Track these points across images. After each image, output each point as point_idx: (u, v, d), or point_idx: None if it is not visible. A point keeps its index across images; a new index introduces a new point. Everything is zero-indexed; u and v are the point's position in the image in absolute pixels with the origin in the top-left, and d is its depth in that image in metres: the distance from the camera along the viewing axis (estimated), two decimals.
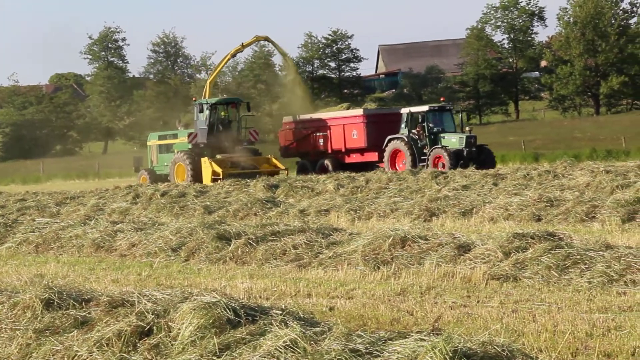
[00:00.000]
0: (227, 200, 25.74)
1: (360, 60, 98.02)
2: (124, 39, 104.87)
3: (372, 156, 43.33)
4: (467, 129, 42.43)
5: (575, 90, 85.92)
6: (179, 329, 7.01)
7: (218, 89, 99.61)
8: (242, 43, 49.83)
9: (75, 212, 24.48)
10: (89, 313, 7.65)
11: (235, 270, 13.07)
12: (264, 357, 6.42)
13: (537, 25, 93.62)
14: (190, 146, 43.75)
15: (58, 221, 19.21)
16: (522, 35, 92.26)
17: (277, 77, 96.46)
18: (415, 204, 20.34)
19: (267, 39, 51.15)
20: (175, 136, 46.16)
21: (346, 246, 13.22)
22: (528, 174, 29.10)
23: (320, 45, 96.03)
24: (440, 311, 9.48)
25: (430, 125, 40.72)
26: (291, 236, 14.06)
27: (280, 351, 6.42)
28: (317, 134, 45.46)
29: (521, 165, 41.21)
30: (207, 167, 41.68)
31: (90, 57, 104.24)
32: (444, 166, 38.98)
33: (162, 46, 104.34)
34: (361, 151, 43.96)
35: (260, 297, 10.77)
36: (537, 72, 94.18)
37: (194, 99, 47.12)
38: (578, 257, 11.13)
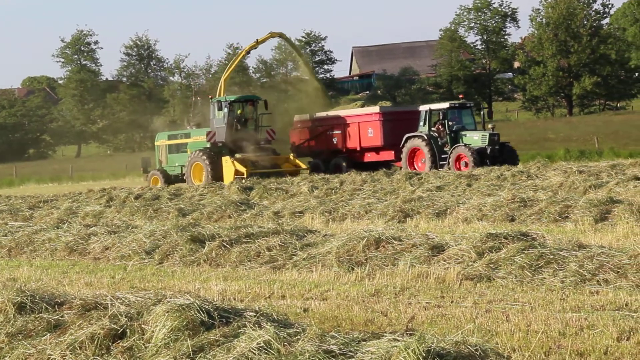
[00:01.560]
0: (201, 202, 25.68)
1: (333, 62, 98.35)
2: (96, 42, 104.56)
3: (388, 155, 42.36)
4: (489, 126, 41.28)
5: (548, 91, 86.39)
6: (153, 332, 6.99)
7: (192, 91, 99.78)
8: (257, 39, 48.55)
9: (48, 216, 24.35)
10: (62, 316, 7.60)
11: (210, 273, 13.04)
12: (238, 359, 6.41)
13: (510, 27, 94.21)
14: (208, 145, 42.29)
15: (31, 225, 19.12)
16: (495, 37, 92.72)
17: (251, 79, 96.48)
18: (389, 205, 20.35)
19: (281, 35, 49.75)
20: (187, 135, 44.70)
21: (320, 248, 13.22)
22: (502, 175, 29.22)
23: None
24: (414, 311, 9.49)
25: (450, 123, 39.73)
26: (265, 238, 14.04)
27: (254, 353, 6.41)
28: (331, 132, 44.28)
29: (495, 165, 41.14)
30: (229, 166, 40.42)
31: (62, 60, 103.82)
32: (467, 165, 37.96)
33: (135, 49, 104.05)
34: (377, 150, 42.91)
35: (235, 299, 10.76)
36: (510, 73, 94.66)
37: (210, 97, 45.66)
38: (551, 256, 11.18)
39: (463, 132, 39.55)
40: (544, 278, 10.78)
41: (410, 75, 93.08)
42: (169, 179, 43.13)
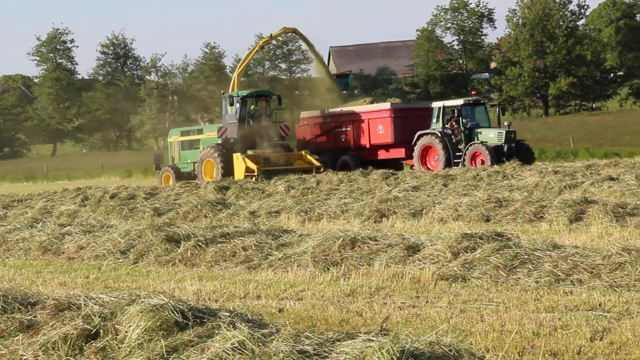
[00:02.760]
0: (177, 202, 25.61)
1: (311, 62, 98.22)
2: (72, 41, 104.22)
3: (399, 152, 41.51)
4: (505, 123, 40.33)
5: (524, 92, 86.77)
6: (126, 332, 6.96)
7: (168, 90, 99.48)
8: (271, 34, 47.67)
9: (22, 215, 24.21)
10: (35, 317, 7.56)
11: (185, 273, 13.01)
12: (212, 359, 6.39)
13: (487, 27, 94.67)
14: (219, 141, 41.26)
15: (5, 224, 19.01)
16: (472, 37, 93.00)
17: (228, 79, 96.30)
18: (365, 205, 20.37)
19: (295, 30, 48.77)
20: (200, 131, 43.78)
21: (296, 247, 13.21)
22: (477, 175, 29.29)
23: (271, 47, 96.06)
24: (388, 312, 9.50)
25: (464, 120, 38.85)
26: (241, 238, 14.02)
27: (228, 353, 6.40)
28: (339, 129, 43.27)
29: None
30: (240, 163, 39.46)
31: (38, 58, 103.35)
32: (483, 162, 37.18)
33: (112, 48, 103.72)
34: (386, 147, 42.07)
35: (209, 299, 10.73)
36: (486, 74, 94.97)
37: (222, 91, 44.29)
38: (526, 257, 11.21)
39: (478, 130, 38.73)
40: (519, 278, 10.81)
41: (387, 75, 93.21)
42: (181, 176, 42.08)
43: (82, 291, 8.77)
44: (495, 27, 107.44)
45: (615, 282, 10.23)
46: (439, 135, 38.75)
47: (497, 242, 11.72)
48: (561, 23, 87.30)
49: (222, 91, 44.56)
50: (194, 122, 59.77)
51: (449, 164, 38.16)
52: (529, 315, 8.97)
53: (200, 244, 14.05)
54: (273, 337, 6.54)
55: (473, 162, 37.90)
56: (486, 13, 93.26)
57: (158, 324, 6.94)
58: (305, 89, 53.54)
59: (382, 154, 42.35)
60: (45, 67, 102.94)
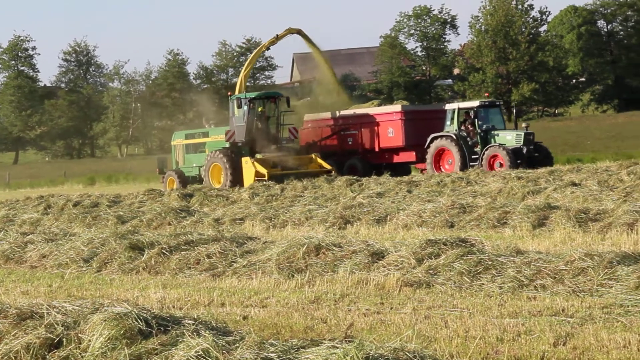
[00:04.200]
0: (141, 209, 25.50)
1: (274, 69, 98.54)
2: (34, 48, 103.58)
3: (409, 156, 40.50)
4: (523, 125, 39.41)
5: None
6: (90, 341, 6.92)
7: (131, 97, 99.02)
8: (277, 35, 46.73)
9: None
10: None
11: (149, 281, 12.94)
12: None
13: (450, 34, 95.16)
14: (227, 145, 40.08)
15: None
16: (435, 43, 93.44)
17: (191, 86, 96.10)
18: (330, 211, 20.37)
19: (299, 32, 47.79)
20: (205, 134, 42.48)
21: (260, 255, 13.18)
22: (441, 181, 29.39)
23: (235, 54, 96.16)
24: (353, 318, 9.50)
25: (480, 122, 37.86)
26: (205, 245, 13.97)
27: None
28: (346, 132, 42.21)
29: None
30: (249, 167, 38.31)
31: None
32: (501, 165, 36.30)
33: (74, 55, 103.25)
34: (396, 151, 40.85)
35: (174, 307, 10.69)
36: (450, 80, 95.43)
37: (229, 93, 43.21)
38: (489, 262, 11.25)
39: (495, 132, 37.89)
40: (483, 284, 10.85)
41: (350, 82, 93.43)
42: (186, 180, 41.05)
43: (44, 300, 8.70)
44: (458, 34, 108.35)
45: (578, 287, 10.29)
46: (454, 137, 37.94)
47: (461, 248, 11.76)
48: (523, 29, 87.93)
49: (229, 93, 43.43)
50: (161, 129, 59.53)
51: (464, 166, 37.23)
52: (493, 320, 9.00)
53: (164, 251, 13.98)
54: (237, 345, 6.53)
55: (491, 165, 37.02)
56: (449, 19, 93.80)
57: (122, 332, 6.91)
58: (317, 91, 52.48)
59: (392, 158, 41.34)
60: (7, 74, 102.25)
